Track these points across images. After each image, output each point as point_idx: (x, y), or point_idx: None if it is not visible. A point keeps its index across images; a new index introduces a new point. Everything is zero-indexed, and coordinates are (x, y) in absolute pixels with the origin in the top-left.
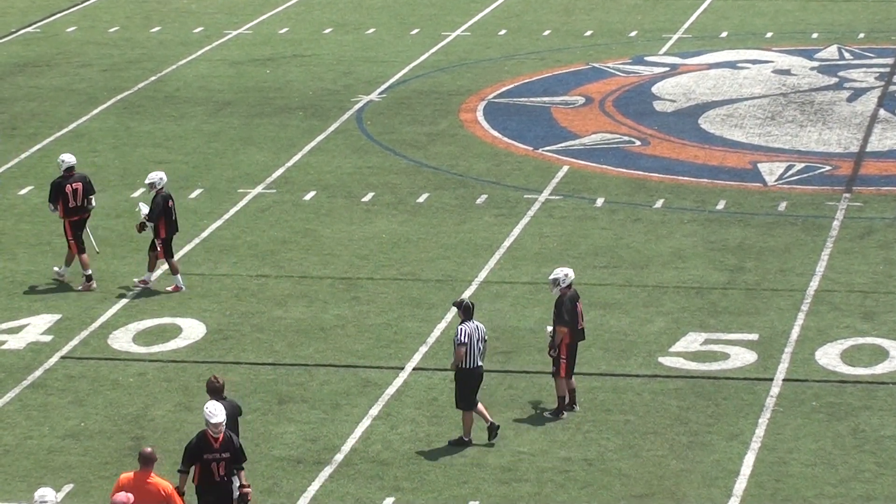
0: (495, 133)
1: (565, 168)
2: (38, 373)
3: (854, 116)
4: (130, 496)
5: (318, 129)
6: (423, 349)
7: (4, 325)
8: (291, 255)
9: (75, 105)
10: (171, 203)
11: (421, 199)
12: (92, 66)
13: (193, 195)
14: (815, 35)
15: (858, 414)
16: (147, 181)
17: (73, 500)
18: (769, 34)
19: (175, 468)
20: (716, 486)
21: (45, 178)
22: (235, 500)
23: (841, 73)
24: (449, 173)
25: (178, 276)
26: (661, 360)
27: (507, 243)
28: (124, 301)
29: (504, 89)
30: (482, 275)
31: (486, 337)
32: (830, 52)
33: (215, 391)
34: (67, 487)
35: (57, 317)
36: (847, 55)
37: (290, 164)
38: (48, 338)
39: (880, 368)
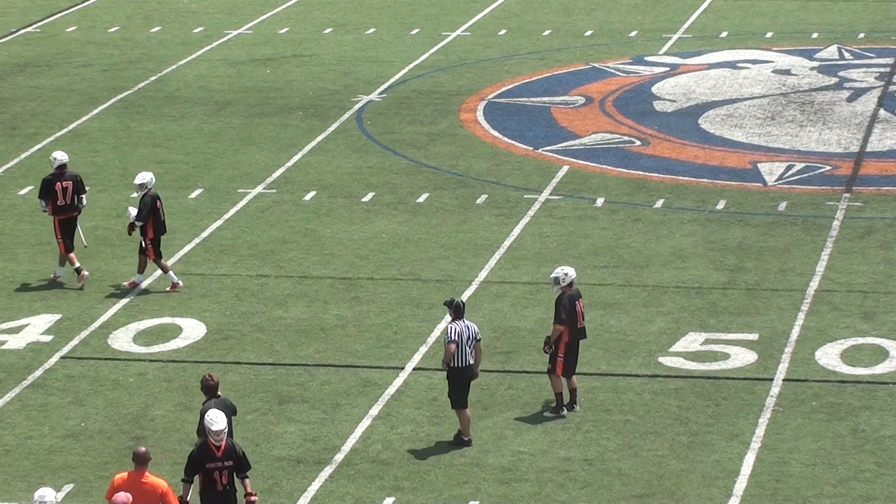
0: (495, 133)
1: (565, 168)
2: (38, 373)
3: (854, 116)
4: (129, 496)
5: (318, 129)
6: (423, 349)
7: (4, 325)
8: (291, 255)
9: (75, 105)
10: (159, 203)
11: (421, 199)
12: (92, 66)
13: (193, 195)
14: (815, 35)
15: (858, 414)
16: (137, 182)
17: (73, 500)
18: (769, 34)
19: (175, 467)
20: (716, 486)
21: None
22: None
23: (841, 73)
24: (449, 173)
25: (171, 273)
26: (661, 360)
27: (507, 243)
28: (124, 301)
29: (504, 89)
30: (482, 275)
31: (479, 336)
32: (830, 52)
33: (209, 389)
34: (67, 487)
35: (57, 317)
36: (847, 55)
37: (290, 164)
38: (48, 338)
39: (880, 368)
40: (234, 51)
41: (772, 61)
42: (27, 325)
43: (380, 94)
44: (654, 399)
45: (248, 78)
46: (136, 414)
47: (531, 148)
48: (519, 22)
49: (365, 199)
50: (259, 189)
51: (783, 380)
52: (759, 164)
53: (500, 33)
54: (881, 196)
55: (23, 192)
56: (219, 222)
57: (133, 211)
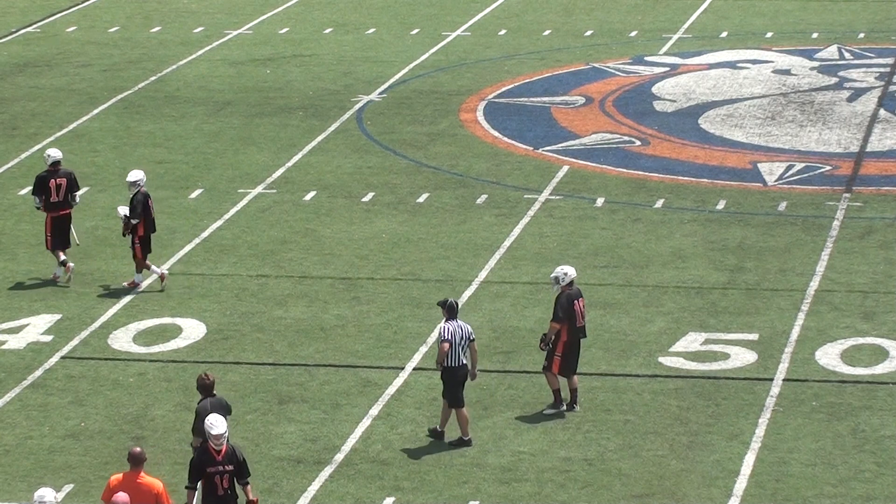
0: (495, 133)
1: (565, 168)
2: (38, 373)
3: (854, 116)
4: (127, 497)
5: (318, 129)
6: (423, 349)
7: (4, 325)
8: (291, 255)
9: (75, 105)
10: (150, 202)
11: (421, 199)
12: (92, 66)
13: (193, 195)
14: (815, 35)
15: (858, 414)
16: (129, 179)
17: (73, 500)
18: (769, 34)
19: (175, 467)
20: (716, 486)
21: None
22: None
23: (841, 73)
24: (449, 173)
25: (142, 275)
26: (661, 360)
27: (507, 243)
28: (124, 301)
29: (504, 89)
30: (482, 275)
31: (473, 337)
32: (830, 52)
33: (205, 388)
34: (67, 487)
35: (57, 317)
36: (847, 55)
37: (290, 164)
38: (48, 338)
39: (880, 368)
40: (234, 51)
41: (772, 61)
42: (27, 325)
43: (380, 94)
44: (654, 399)
45: (248, 78)
46: (136, 414)
47: (531, 148)
48: (519, 22)
49: (365, 199)
50: (259, 189)
51: (783, 380)
52: (759, 164)
53: (500, 33)
54: (881, 196)
55: (23, 192)
56: (219, 222)
57: (122, 210)
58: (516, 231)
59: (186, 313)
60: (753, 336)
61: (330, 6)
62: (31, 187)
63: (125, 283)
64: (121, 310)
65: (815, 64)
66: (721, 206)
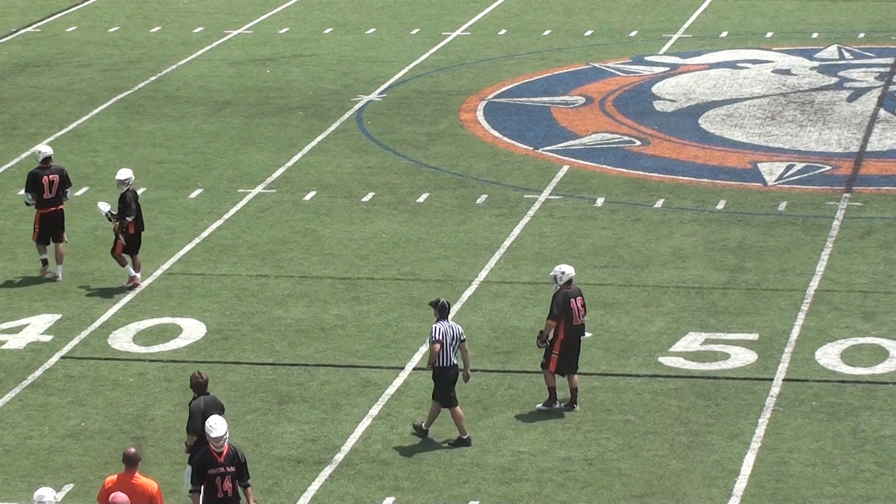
0: (495, 133)
1: (565, 168)
2: (38, 373)
3: (854, 116)
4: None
5: (318, 129)
6: (423, 349)
7: (4, 325)
8: (291, 255)
9: (75, 105)
10: (138, 200)
11: (421, 199)
12: (92, 66)
13: (193, 195)
14: (815, 35)
15: (858, 414)
16: (119, 178)
17: (73, 500)
18: (769, 34)
19: (175, 467)
20: (716, 486)
21: None
22: None
23: (841, 73)
24: (449, 173)
25: (129, 267)
26: (661, 360)
27: (507, 243)
28: (124, 301)
29: (504, 89)
30: (482, 275)
31: (464, 337)
32: (830, 51)
33: (198, 387)
34: (67, 487)
35: (57, 317)
36: (847, 55)
37: (290, 164)
38: (48, 338)
39: (880, 368)
40: (234, 51)
41: (772, 61)
42: (27, 325)
43: (380, 94)
44: (654, 399)
45: (248, 78)
46: (136, 414)
47: (531, 148)
48: (519, 22)
49: (365, 199)
50: (259, 189)
51: (783, 380)
52: (759, 164)
53: (500, 33)
54: (881, 196)
55: (23, 192)
56: (219, 222)
57: (104, 206)
58: (516, 231)
59: (186, 313)
60: (753, 336)
61: (330, 6)
62: None
63: (125, 284)
64: (121, 310)
65: (815, 64)
66: (721, 205)
